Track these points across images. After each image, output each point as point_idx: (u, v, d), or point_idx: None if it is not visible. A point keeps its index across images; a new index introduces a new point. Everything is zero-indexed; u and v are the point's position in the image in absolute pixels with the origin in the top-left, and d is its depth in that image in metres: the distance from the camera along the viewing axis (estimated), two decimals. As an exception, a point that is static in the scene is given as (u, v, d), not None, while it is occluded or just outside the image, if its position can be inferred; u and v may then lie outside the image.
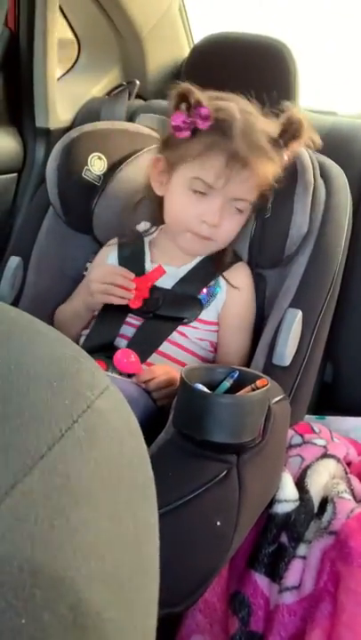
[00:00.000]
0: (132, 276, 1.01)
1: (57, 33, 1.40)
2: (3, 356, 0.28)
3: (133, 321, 1.04)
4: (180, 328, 1.03)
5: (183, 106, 0.95)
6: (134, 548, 0.26)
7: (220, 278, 1.06)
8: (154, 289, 1.04)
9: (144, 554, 0.27)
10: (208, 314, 1.04)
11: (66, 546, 0.23)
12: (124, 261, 1.08)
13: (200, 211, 0.98)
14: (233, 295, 1.06)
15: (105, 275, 1.01)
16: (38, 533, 0.22)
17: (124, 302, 1.00)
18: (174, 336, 1.02)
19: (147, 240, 1.10)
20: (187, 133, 0.95)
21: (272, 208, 1.05)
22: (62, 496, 0.24)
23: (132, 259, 1.08)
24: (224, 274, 1.06)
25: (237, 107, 0.98)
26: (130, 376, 0.95)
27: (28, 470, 0.23)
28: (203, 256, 1.07)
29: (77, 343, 1.05)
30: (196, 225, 0.99)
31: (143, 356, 1.01)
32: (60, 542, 0.23)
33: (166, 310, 1.03)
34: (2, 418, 0.25)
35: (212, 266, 1.06)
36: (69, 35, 1.57)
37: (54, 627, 0.21)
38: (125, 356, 0.95)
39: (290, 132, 0.98)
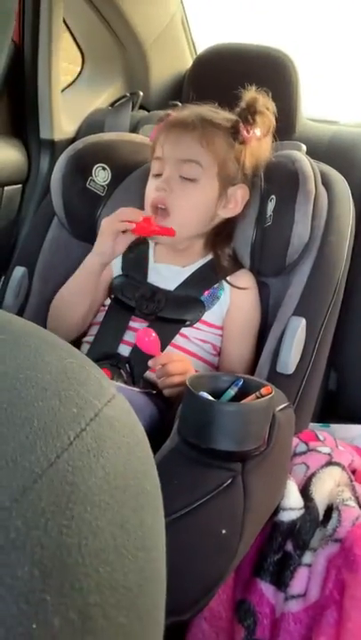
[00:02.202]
0: (141, 212, 1.01)
1: (61, 45, 1.41)
2: (11, 365, 0.28)
3: (137, 325, 1.04)
4: (184, 330, 1.03)
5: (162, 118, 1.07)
6: (142, 555, 0.27)
7: (224, 282, 1.07)
8: (156, 290, 1.06)
9: (151, 561, 0.28)
10: (212, 316, 1.05)
11: (75, 552, 0.23)
12: (126, 262, 1.10)
13: (156, 183, 1.02)
14: (238, 299, 1.07)
15: (113, 215, 1.02)
16: (48, 540, 0.23)
17: (130, 226, 0.99)
18: (178, 339, 1.03)
19: (152, 241, 1.11)
20: (154, 133, 1.06)
21: (273, 216, 1.06)
22: (71, 503, 0.24)
23: (136, 260, 1.09)
24: (228, 278, 1.07)
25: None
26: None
27: (38, 477, 0.24)
28: (206, 259, 1.08)
29: (80, 344, 1.07)
30: (154, 197, 1.01)
31: (146, 363, 1.01)
32: (68, 549, 0.23)
33: (169, 312, 1.04)
34: (11, 426, 0.25)
35: (217, 269, 1.07)
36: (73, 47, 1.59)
37: (64, 631, 0.22)
38: (147, 335, 0.96)
39: (247, 108, 1.02)
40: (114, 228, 1.00)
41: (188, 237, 1.05)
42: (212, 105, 1.07)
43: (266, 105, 1.03)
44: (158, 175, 1.03)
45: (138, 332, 0.97)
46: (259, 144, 1.04)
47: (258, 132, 1.02)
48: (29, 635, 0.21)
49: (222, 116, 1.04)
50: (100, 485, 0.26)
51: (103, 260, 1.04)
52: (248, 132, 1.01)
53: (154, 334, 0.95)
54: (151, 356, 0.95)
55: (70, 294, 1.09)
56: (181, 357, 0.97)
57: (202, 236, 1.07)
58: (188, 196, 1.01)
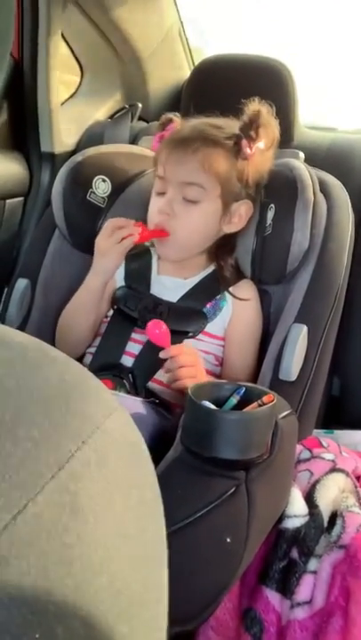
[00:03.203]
0: (131, 221, 1.03)
1: (59, 59, 1.43)
2: (13, 380, 0.29)
3: (139, 337, 1.05)
4: (186, 342, 1.04)
5: (161, 127, 1.07)
6: (144, 565, 0.27)
7: (227, 293, 1.08)
8: (159, 302, 1.06)
9: (153, 570, 0.28)
10: (214, 327, 1.06)
11: (77, 562, 0.24)
12: (129, 274, 1.10)
13: (159, 205, 1.02)
14: (239, 309, 1.07)
15: (106, 230, 1.04)
16: (51, 550, 0.23)
17: (135, 239, 1.01)
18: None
19: (155, 253, 1.12)
20: (157, 144, 1.04)
21: (273, 225, 1.06)
22: (73, 514, 0.25)
23: (139, 272, 1.09)
24: (230, 289, 1.08)
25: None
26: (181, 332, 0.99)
27: (40, 489, 0.24)
28: (209, 270, 1.09)
29: (80, 356, 1.08)
30: (157, 218, 1.02)
31: (149, 374, 1.02)
32: (71, 559, 0.24)
33: (171, 324, 1.04)
34: (14, 439, 0.26)
35: (219, 280, 1.08)
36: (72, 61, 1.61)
37: (67, 640, 0.22)
38: (157, 327, 0.96)
39: (250, 123, 1.00)
40: (118, 248, 1.02)
41: (191, 254, 1.06)
42: (214, 115, 1.06)
43: (269, 118, 1.01)
44: (161, 193, 1.03)
45: (148, 325, 0.97)
46: (262, 158, 1.03)
47: (262, 144, 1.01)
48: (33, 644, 0.21)
49: (224, 131, 1.02)
50: (102, 497, 0.26)
51: (104, 278, 1.07)
52: (251, 147, 1.00)
53: (164, 327, 0.96)
54: (160, 348, 0.96)
55: (74, 313, 1.11)
56: (193, 351, 0.97)
57: (204, 250, 1.08)
58: (190, 219, 1.01)
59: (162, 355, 0.94)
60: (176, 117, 1.10)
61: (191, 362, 0.94)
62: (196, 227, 1.02)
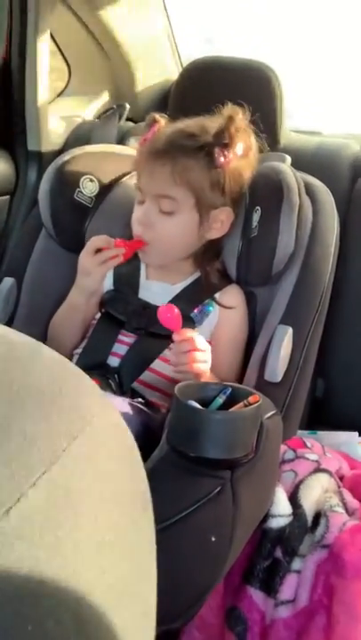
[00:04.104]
0: (112, 240, 1.04)
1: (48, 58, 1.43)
2: (5, 377, 0.29)
3: (126, 339, 1.05)
4: (172, 345, 1.04)
5: (146, 128, 1.05)
6: (134, 560, 0.28)
7: (213, 299, 1.08)
8: (147, 307, 1.06)
9: (143, 565, 0.28)
10: (201, 332, 1.06)
11: (69, 557, 0.24)
12: (118, 278, 1.10)
13: (137, 216, 1.03)
14: (225, 316, 1.08)
15: (89, 250, 1.04)
16: (43, 545, 0.23)
17: (118, 261, 1.02)
18: (166, 354, 1.04)
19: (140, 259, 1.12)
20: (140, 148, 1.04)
21: (259, 227, 1.07)
22: (65, 509, 0.25)
23: (127, 276, 1.10)
24: (216, 295, 1.08)
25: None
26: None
27: (33, 485, 0.24)
28: (196, 275, 1.09)
29: (70, 358, 1.08)
30: (136, 229, 1.03)
31: (135, 374, 1.02)
32: (63, 553, 0.24)
33: (158, 328, 1.04)
34: (6, 436, 0.26)
35: (206, 286, 1.08)
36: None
37: (58, 633, 0.22)
38: (169, 311, 0.95)
39: (223, 130, 0.98)
40: (102, 269, 1.03)
41: (174, 260, 1.07)
42: (199, 117, 1.05)
43: (243, 123, 1.00)
44: (141, 202, 1.03)
45: (160, 308, 0.95)
46: (240, 164, 1.02)
47: (239, 150, 1.00)
48: (25, 637, 0.21)
49: (198, 139, 0.99)
50: (93, 492, 0.27)
51: (87, 295, 1.08)
52: (225, 155, 0.98)
53: (177, 310, 0.95)
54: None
55: (61, 324, 1.12)
56: (206, 346, 0.96)
57: (190, 256, 1.08)
58: (166, 230, 1.01)
59: (175, 337, 0.94)
60: (162, 118, 1.09)
61: (204, 346, 0.94)
62: (172, 237, 1.02)
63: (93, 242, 1.05)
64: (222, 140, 0.98)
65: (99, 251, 1.04)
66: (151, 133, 1.04)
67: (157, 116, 1.07)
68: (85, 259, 1.05)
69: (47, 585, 0.23)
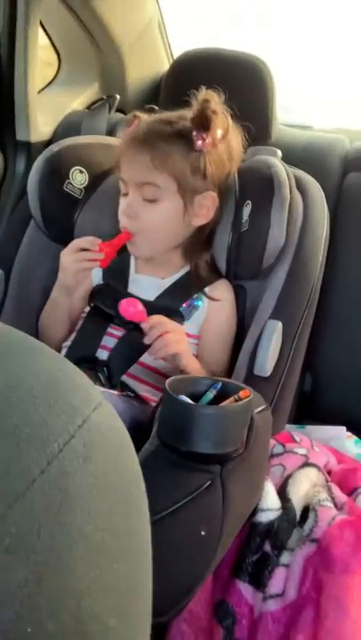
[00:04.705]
0: (98, 240, 1.02)
1: (37, 47, 1.41)
2: (1, 374, 0.29)
3: (115, 332, 1.05)
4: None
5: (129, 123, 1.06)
6: (131, 559, 0.27)
7: (202, 293, 1.08)
8: None
9: (140, 564, 0.28)
10: (189, 327, 1.06)
11: (67, 557, 0.24)
12: (107, 272, 1.10)
13: (122, 207, 1.03)
14: (214, 310, 1.08)
15: (71, 248, 1.04)
16: (40, 545, 0.23)
17: (95, 265, 1.02)
18: None
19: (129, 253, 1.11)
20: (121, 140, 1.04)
21: (249, 221, 1.07)
22: (62, 509, 0.25)
23: (116, 270, 1.09)
24: (206, 289, 1.08)
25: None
26: (136, 326, 0.98)
27: (30, 485, 0.24)
28: (186, 269, 1.09)
29: (59, 352, 1.07)
30: (122, 220, 1.03)
31: (124, 368, 1.02)
32: (60, 553, 0.24)
33: None
34: (2, 434, 0.25)
35: (195, 280, 1.08)
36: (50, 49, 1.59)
37: (58, 634, 0.22)
38: (131, 305, 0.96)
39: (199, 114, 0.98)
40: (76, 267, 1.02)
41: (163, 250, 1.06)
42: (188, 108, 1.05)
43: (218, 107, 0.99)
44: (125, 195, 1.03)
45: (121, 303, 0.96)
46: (221, 146, 1.02)
47: (219, 133, 1.00)
48: (24, 638, 0.21)
49: (176, 125, 1.00)
50: (90, 491, 0.26)
51: (67, 293, 1.08)
52: (204, 139, 0.98)
53: (140, 305, 0.96)
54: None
55: (47, 318, 1.12)
56: (176, 326, 0.97)
57: (179, 247, 1.08)
58: (152, 218, 1.01)
59: (144, 326, 0.94)
60: (150, 110, 1.09)
61: (173, 327, 0.96)
62: (158, 225, 1.02)
63: (77, 242, 1.04)
64: (199, 123, 0.98)
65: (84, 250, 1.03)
66: (132, 127, 1.04)
67: (138, 112, 1.07)
68: (64, 255, 1.05)
69: (46, 586, 0.22)
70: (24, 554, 0.22)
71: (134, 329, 1.04)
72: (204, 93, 0.99)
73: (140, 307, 0.96)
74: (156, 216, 1.01)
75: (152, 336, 0.94)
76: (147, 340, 0.95)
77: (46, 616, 0.22)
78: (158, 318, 0.96)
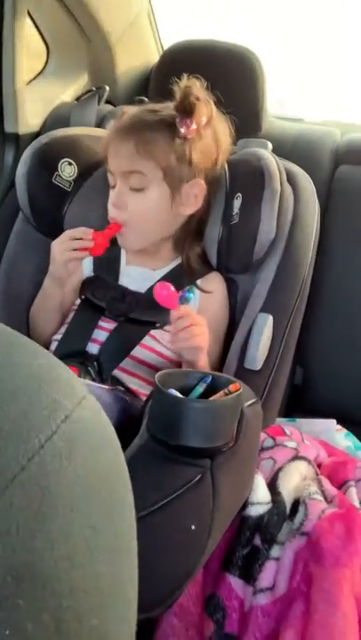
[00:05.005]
0: (90, 231, 1.01)
1: (25, 38, 1.39)
2: None
3: (106, 325, 1.04)
4: (153, 332, 1.03)
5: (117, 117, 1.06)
6: (114, 557, 0.27)
7: (194, 285, 1.07)
8: (127, 292, 1.04)
9: (124, 562, 0.28)
10: None
11: (47, 556, 0.23)
12: (98, 264, 1.09)
13: (110, 199, 1.03)
14: (206, 303, 1.07)
15: (62, 237, 1.03)
16: (20, 544, 0.22)
17: (84, 255, 1.01)
18: (147, 340, 1.03)
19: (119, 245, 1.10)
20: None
21: (240, 214, 1.06)
22: (43, 507, 0.24)
23: (107, 262, 1.08)
24: (198, 281, 1.07)
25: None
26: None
27: (10, 482, 0.23)
28: (177, 261, 1.08)
29: (49, 346, 1.06)
30: (111, 211, 1.02)
31: (116, 361, 1.01)
32: (41, 553, 0.23)
33: (139, 314, 1.04)
34: (-19, 430, 0.25)
35: (187, 272, 1.07)
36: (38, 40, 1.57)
37: (37, 636, 0.21)
38: (165, 288, 0.94)
39: (182, 101, 0.98)
40: (65, 256, 1.01)
41: (153, 241, 1.06)
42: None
43: (200, 93, 0.99)
44: (113, 187, 1.03)
45: (155, 286, 0.95)
46: (206, 133, 1.01)
47: (203, 119, 0.99)
48: (2, 640, 0.21)
49: (160, 113, 1.00)
50: (72, 488, 0.26)
51: (58, 284, 1.06)
52: (188, 125, 0.97)
53: (172, 288, 0.94)
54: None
55: (38, 311, 1.11)
56: (202, 320, 0.96)
57: (169, 239, 1.07)
58: (140, 207, 1.00)
59: (173, 315, 0.93)
60: (141, 102, 1.09)
61: (199, 320, 0.94)
62: (147, 214, 1.01)
63: (69, 232, 1.03)
64: (182, 110, 0.98)
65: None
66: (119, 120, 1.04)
67: (126, 108, 1.07)
68: (54, 245, 1.04)
69: (25, 586, 0.22)
70: (2, 553, 0.22)
71: (126, 321, 1.03)
72: (186, 81, 0.99)
73: (172, 289, 0.94)
74: (143, 205, 1.00)
75: (179, 326, 0.93)
76: (173, 329, 0.94)
77: (26, 618, 0.21)
78: (187, 309, 0.94)
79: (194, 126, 0.98)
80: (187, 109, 0.97)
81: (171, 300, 0.94)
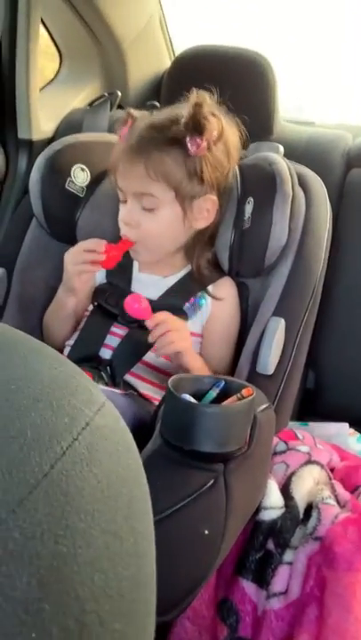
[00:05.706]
0: (103, 242, 1.01)
1: (39, 45, 1.40)
2: (2, 376, 0.29)
3: (118, 331, 1.05)
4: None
5: (123, 122, 1.03)
6: (134, 562, 0.27)
7: (205, 292, 1.08)
8: None
9: (143, 567, 0.28)
10: (193, 325, 1.06)
11: (70, 561, 0.24)
12: (111, 271, 1.10)
13: (121, 216, 1.03)
14: (217, 308, 1.07)
15: (75, 249, 1.03)
16: (44, 549, 0.23)
17: (96, 268, 1.01)
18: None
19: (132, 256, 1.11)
20: (121, 140, 1.02)
21: (251, 219, 1.06)
22: (65, 512, 0.24)
23: (120, 269, 1.09)
24: (209, 287, 1.08)
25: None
26: (139, 323, 0.98)
27: (33, 488, 0.24)
28: (188, 268, 1.09)
29: (62, 351, 1.07)
30: (123, 229, 1.02)
31: (127, 366, 1.02)
32: (64, 558, 0.23)
33: None
34: (5, 438, 0.25)
35: (198, 278, 1.08)
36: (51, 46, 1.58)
37: (62, 639, 0.22)
38: (137, 301, 0.96)
39: (192, 118, 0.95)
40: (77, 269, 1.01)
41: (165, 255, 1.06)
42: (174, 104, 1.02)
43: (210, 108, 0.97)
44: (124, 202, 1.02)
45: (126, 299, 0.96)
46: (216, 149, 0.99)
47: (215, 134, 0.97)
48: (28, 643, 0.21)
49: (169, 131, 0.96)
50: (94, 494, 0.26)
51: (72, 294, 1.07)
52: (198, 144, 0.96)
53: (145, 300, 0.96)
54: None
55: (51, 318, 1.13)
56: (181, 324, 0.98)
57: (181, 249, 1.08)
58: (152, 226, 1.00)
59: (148, 324, 0.94)
60: (148, 110, 1.07)
61: (177, 325, 0.96)
62: (159, 233, 1.01)
63: (82, 244, 1.03)
64: (192, 128, 0.95)
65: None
66: (125, 130, 1.02)
67: (132, 110, 1.04)
68: (67, 256, 1.04)
69: (50, 590, 0.22)
70: (28, 559, 0.22)
71: (138, 327, 1.04)
72: (195, 96, 0.96)
73: (145, 303, 0.96)
74: (156, 224, 1.00)
75: (156, 334, 0.94)
76: (150, 338, 0.95)
77: (50, 621, 0.22)
78: (163, 316, 0.95)
79: (204, 144, 0.96)
80: (197, 128, 0.95)
81: (144, 312, 0.95)
